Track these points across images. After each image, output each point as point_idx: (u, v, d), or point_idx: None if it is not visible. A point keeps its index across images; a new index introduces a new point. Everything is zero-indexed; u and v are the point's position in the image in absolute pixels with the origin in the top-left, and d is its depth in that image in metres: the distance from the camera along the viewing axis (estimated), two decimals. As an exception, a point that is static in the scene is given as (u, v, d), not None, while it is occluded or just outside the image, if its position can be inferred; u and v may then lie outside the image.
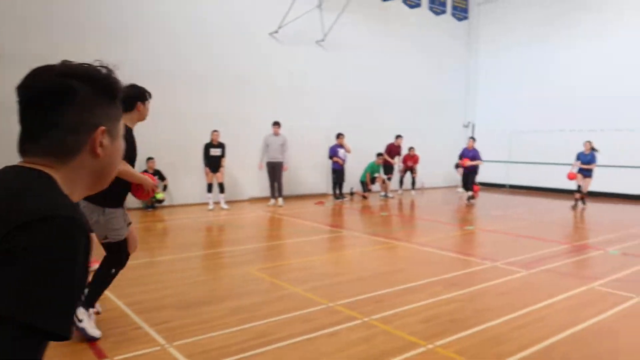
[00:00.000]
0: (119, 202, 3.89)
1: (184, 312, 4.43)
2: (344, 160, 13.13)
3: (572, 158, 13.96)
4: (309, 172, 14.23)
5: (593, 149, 11.97)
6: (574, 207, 11.89)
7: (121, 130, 1.16)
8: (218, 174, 11.20)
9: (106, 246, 3.92)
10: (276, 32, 13.04)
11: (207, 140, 11.09)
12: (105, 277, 3.94)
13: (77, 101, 1.02)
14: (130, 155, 3.85)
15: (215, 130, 11.10)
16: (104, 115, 1.08)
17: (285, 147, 11.88)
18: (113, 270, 3.95)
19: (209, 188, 11.16)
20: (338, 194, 13.27)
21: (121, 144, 1.16)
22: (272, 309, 4.54)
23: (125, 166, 3.69)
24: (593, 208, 12.35)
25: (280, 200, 11.94)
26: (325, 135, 14.27)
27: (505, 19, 17.52)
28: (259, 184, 12.77)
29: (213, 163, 11.10)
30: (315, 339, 3.85)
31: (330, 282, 5.46)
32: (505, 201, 14.22)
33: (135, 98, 3.87)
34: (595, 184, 13.91)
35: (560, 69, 15.95)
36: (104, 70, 1.09)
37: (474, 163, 13.05)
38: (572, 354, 3.64)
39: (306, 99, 14.01)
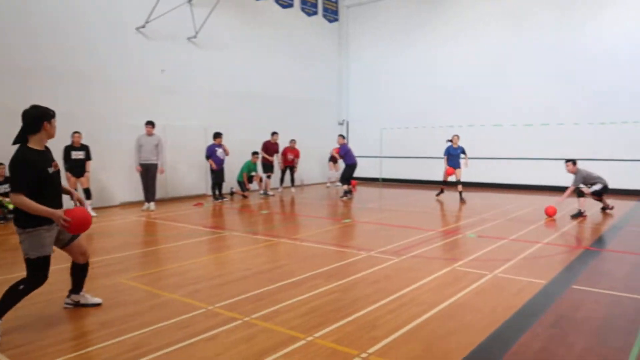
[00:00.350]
0: (35, 223, 3.89)
1: (45, 333, 3.98)
2: (221, 161, 12.85)
3: (438, 152, 15.28)
4: (186, 173, 13.72)
5: (450, 141, 13.00)
6: (461, 200, 12.50)
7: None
8: (82, 179, 10.28)
9: (25, 263, 3.98)
10: (143, 27, 12.33)
11: (68, 143, 10.14)
12: (14, 293, 3.93)
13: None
14: (36, 181, 3.84)
15: (76, 132, 10.18)
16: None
17: (159, 148, 11.27)
18: (21, 287, 3.94)
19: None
20: (217, 195, 12.98)
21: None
22: (146, 318, 4.28)
23: (18, 198, 3.76)
24: (455, 196, 13.61)
25: (152, 204, 11.29)
26: (202, 135, 13.87)
27: (373, 21, 18.56)
28: (131, 188, 11.99)
29: (75, 167, 10.17)
30: (193, 345, 3.71)
31: (210, 285, 5.31)
32: (379, 194, 15.08)
33: (40, 119, 3.92)
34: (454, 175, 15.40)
35: (424, 68, 17.34)
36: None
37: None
38: (439, 329, 3.96)
39: (180, 97, 13.49)
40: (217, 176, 12.93)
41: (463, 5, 16.43)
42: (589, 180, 9.83)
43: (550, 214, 9.73)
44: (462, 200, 12.42)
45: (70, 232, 4.05)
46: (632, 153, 13.38)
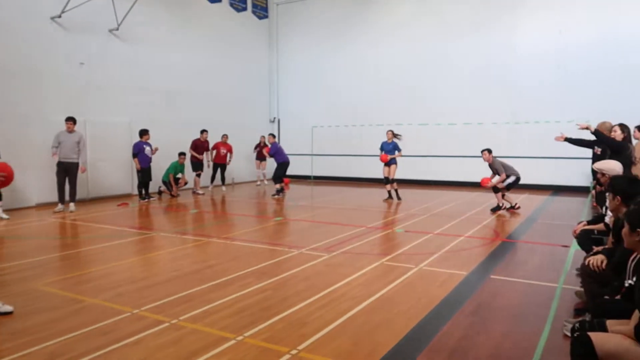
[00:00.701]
0: None
1: (-56, 347, 3.63)
2: (149, 159, 12.38)
3: (368, 149, 15.73)
4: (110, 172, 13.06)
5: (395, 136, 12.59)
6: (388, 198, 12.40)
7: None
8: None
9: None
10: (59, 16, 11.57)
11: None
12: None
13: None
14: None
15: None
16: None
17: (81, 146, 10.61)
18: None
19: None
20: (145, 194, 12.49)
21: None
22: (65, 325, 4.03)
23: None
24: (384, 193, 13.98)
25: (72, 205, 10.62)
26: (127, 131, 13.28)
27: (302, 19, 18.65)
28: (48, 188, 11.20)
29: None
30: (117, 351, 3.54)
31: (135, 288, 5.10)
32: (311, 192, 15.19)
33: None
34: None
35: (354, 67, 17.66)
36: None
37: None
38: (368, 322, 4.06)
39: (103, 92, 12.82)
40: (144, 175, 12.42)
41: (391, 6, 16.89)
42: (505, 170, 10.15)
43: (483, 183, 10.47)
44: (398, 198, 12.31)
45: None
46: (543, 151, 14.42)
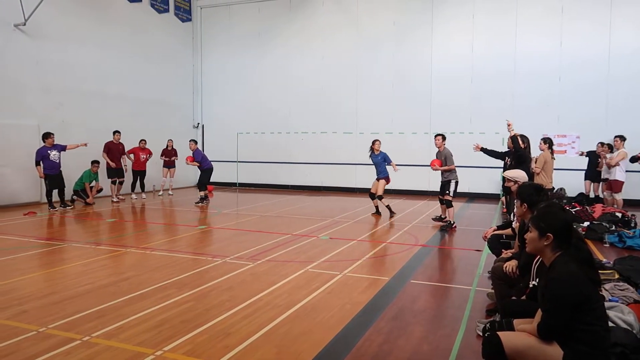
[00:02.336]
0: None
1: None
2: (57, 165, 11.57)
3: (292, 157, 15.82)
4: (14, 178, 12.04)
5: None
6: (376, 213, 11.24)
7: None
8: None
9: None
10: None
11: None
12: None
13: None
14: None
15: None
16: None
17: None
18: None
19: None
20: (61, 202, 11.66)
21: None
22: (-44, 349, 3.64)
23: None
24: (310, 200, 14.08)
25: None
26: (35, 134, 12.35)
27: (226, 24, 18.41)
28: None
29: None
30: (19, 374, 3.25)
31: (41, 304, 4.72)
32: (235, 199, 14.95)
33: None
34: (314, 179, 16.18)
35: (278, 74, 17.65)
36: None
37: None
38: (292, 330, 4.04)
39: (6, 92, 11.82)
40: (53, 182, 11.56)
41: (314, 15, 17.10)
42: (448, 163, 9.57)
43: (433, 165, 9.89)
44: (391, 213, 10.94)
45: None
46: (459, 160, 15.20)
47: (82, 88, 13.85)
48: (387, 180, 11.16)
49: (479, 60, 15.02)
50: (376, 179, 11.11)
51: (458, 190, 9.86)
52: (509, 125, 8.46)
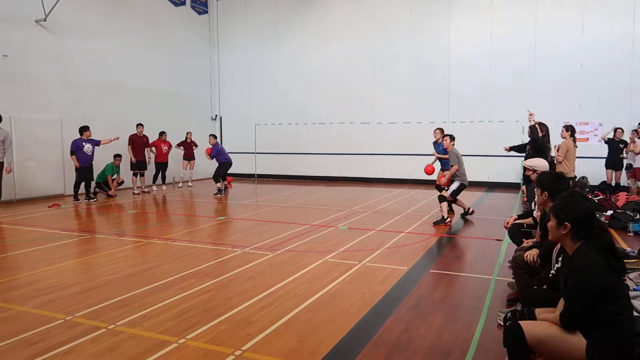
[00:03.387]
0: None
1: None
2: (89, 157, 11.81)
3: (311, 147, 15.88)
4: (39, 171, 12.31)
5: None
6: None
7: None
8: None
9: None
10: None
11: None
12: None
13: None
14: None
15: None
16: None
17: (6, 144, 9.88)
18: None
19: None
20: (86, 194, 11.92)
21: None
22: (-12, 336, 3.76)
23: None
24: (328, 191, 14.11)
25: (-2, 206, 9.94)
26: (58, 128, 12.59)
27: (243, 16, 18.42)
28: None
29: None
30: (49, 360, 3.36)
31: (68, 293, 4.84)
32: (254, 190, 15.05)
33: None
34: (331, 170, 16.23)
35: (296, 64, 17.64)
36: None
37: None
38: (312, 320, 4.08)
39: (30, 87, 12.06)
40: (83, 174, 11.81)
41: (330, 5, 17.01)
42: (461, 166, 8.93)
43: (428, 172, 9.78)
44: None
45: None
46: (478, 149, 15.07)
47: (102, 82, 14.04)
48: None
49: (498, 47, 14.76)
50: (441, 170, 10.13)
51: (467, 188, 9.22)
52: (530, 115, 8.33)
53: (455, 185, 8.88)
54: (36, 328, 3.93)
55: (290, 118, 17.87)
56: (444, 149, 9.67)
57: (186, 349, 3.53)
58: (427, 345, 3.61)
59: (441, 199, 8.78)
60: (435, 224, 8.58)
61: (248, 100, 18.51)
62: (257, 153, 18.55)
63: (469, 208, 9.47)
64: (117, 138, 12.46)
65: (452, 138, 9.15)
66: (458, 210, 9.55)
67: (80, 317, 4.15)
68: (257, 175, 18.63)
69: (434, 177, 10.63)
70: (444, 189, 9.57)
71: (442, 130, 10.38)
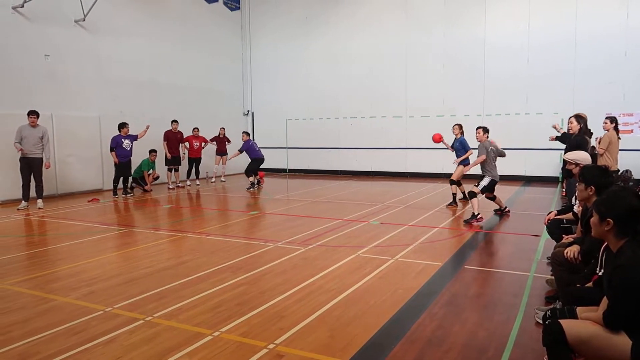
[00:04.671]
0: None
1: None
2: (128, 153, 12.14)
3: (341, 142, 15.84)
4: (79, 167, 12.72)
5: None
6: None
7: None
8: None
9: None
10: (21, 6, 11.16)
11: None
12: None
13: None
14: None
15: None
16: None
17: (44, 141, 10.25)
18: None
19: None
20: (124, 189, 12.28)
21: None
22: (34, 325, 3.92)
23: None
24: (359, 185, 14.05)
25: (39, 202, 10.31)
26: (96, 125, 12.96)
27: (275, 11, 18.48)
28: (12, 185, 10.79)
29: None
30: (90, 350, 3.46)
31: (107, 285, 4.99)
32: (286, 185, 15.14)
33: None
34: (363, 164, 16.14)
35: (327, 59, 17.59)
36: None
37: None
38: (345, 315, 4.07)
39: (69, 85, 12.45)
40: (121, 170, 12.16)
41: (364, -1, 16.90)
42: (487, 162, 8.59)
43: (436, 139, 10.17)
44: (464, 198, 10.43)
45: None
46: (513, 142, 14.70)
47: (137, 79, 14.37)
48: (465, 167, 9.94)
49: (536, 37, 14.31)
50: (462, 165, 10.09)
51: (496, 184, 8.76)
52: (555, 127, 8.25)
53: (485, 181, 8.54)
54: (78, 318, 4.06)
55: (321, 112, 17.86)
56: (460, 144, 9.99)
57: (220, 341, 3.58)
58: (462, 342, 3.55)
59: (471, 194, 8.47)
60: (466, 221, 8.24)
61: (279, 95, 18.61)
62: (288, 148, 18.64)
63: (506, 207, 9.17)
64: (148, 126, 12.71)
65: (485, 130, 8.76)
66: (486, 204, 9.32)
67: (119, 309, 4.27)
68: (289, 170, 18.72)
69: (450, 168, 10.52)
70: (458, 182, 10.06)
71: (460, 125, 10.36)
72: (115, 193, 12.17)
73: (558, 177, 13.96)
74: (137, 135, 12.42)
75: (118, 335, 3.72)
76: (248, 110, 19.29)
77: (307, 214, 9.26)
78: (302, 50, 17.97)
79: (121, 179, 12.30)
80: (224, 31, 18.09)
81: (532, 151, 14.45)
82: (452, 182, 10.15)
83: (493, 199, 8.93)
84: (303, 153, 18.42)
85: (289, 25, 18.17)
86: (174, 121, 13.93)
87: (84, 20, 12.58)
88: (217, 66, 17.67)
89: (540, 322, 3.48)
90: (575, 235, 4.45)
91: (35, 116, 10.16)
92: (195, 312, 4.16)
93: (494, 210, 9.23)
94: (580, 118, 7.83)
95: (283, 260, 5.88)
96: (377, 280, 5.03)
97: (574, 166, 4.84)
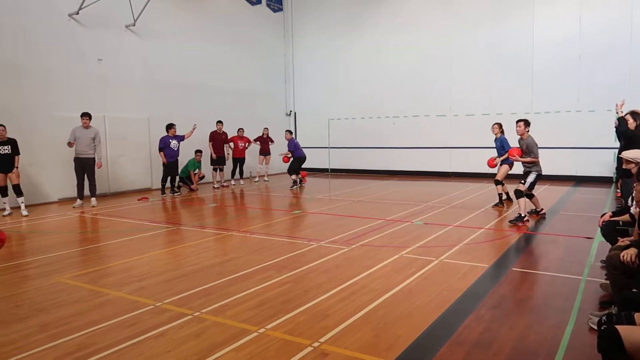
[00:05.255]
0: None
1: (-25, 338, 3.73)
2: (175, 153, 12.54)
3: (385, 142, 15.71)
4: (129, 167, 13.21)
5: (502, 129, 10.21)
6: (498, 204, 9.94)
7: None
8: (11, 175, 9.64)
9: None
10: (76, 13, 11.70)
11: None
12: None
13: None
14: None
15: (0, 125, 9.49)
16: None
17: (96, 141, 10.73)
18: None
19: (2, 191, 9.60)
20: (171, 188, 12.69)
21: None
22: (90, 318, 4.10)
23: None
24: (403, 185, 13.92)
25: (93, 200, 10.80)
26: (145, 126, 13.42)
27: (318, 11, 18.56)
28: (69, 183, 11.33)
29: (1, 162, 9.51)
30: (142, 343, 3.60)
31: (157, 281, 5.16)
32: (328, 185, 15.18)
33: None
34: (406, 164, 15.95)
35: (370, 58, 17.53)
36: None
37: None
38: (389, 315, 4.05)
39: (119, 88, 12.94)
40: (170, 169, 12.57)
41: (407, -3, 16.71)
42: (530, 155, 8.24)
43: (490, 165, 9.99)
44: (508, 199, 10.23)
45: None
46: (563, 141, 14.17)
47: (184, 82, 14.78)
48: (510, 166, 9.77)
49: (588, 33, 13.74)
50: (505, 164, 9.81)
51: (537, 182, 8.38)
52: (619, 105, 7.83)
53: (532, 177, 8.18)
54: (130, 312, 4.22)
55: (363, 112, 17.81)
56: (500, 144, 9.82)
57: (266, 338, 3.64)
58: (510, 345, 3.46)
59: (518, 193, 8.13)
60: (512, 222, 7.90)
61: (322, 95, 18.68)
62: (330, 148, 18.69)
63: (542, 209, 8.74)
64: (195, 126, 13.04)
65: (527, 124, 8.35)
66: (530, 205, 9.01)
67: (169, 304, 4.41)
68: (331, 169, 18.77)
69: (495, 168, 10.21)
70: (501, 183, 9.85)
71: (499, 125, 10.10)
72: (163, 192, 12.57)
73: (612, 177, 13.34)
74: (184, 136, 12.79)
75: (168, 329, 3.84)
76: (290, 111, 19.47)
77: (349, 214, 9.25)
78: (344, 50, 17.97)
79: (169, 178, 12.70)
80: (267, 33, 18.34)
81: (583, 150, 13.89)
82: (497, 183, 9.95)
83: (531, 197, 8.55)
84: (345, 153, 18.42)
85: (330, 25, 18.21)
86: (219, 122, 14.26)
87: (134, 25, 13.06)
88: (260, 67, 17.93)
89: (595, 327, 3.35)
90: (632, 237, 4.25)
91: (87, 118, 10.63)
92: (241, 309, 4.24)
93: (528, 212, 8.43)
94: (636, 115, 7.48)
95: (326, 259, 5.90)
96: (422, 281, 4.97)
97: (633, 165, 4.60)
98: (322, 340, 3.56)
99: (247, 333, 3.72)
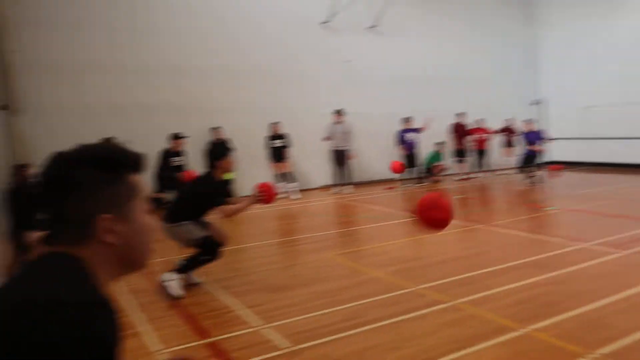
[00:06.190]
0: (186, 217, 4.75)
1: (273, 296, 4.57)
2: (410, 144, 12.94)
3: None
4: (375, 158, 14.11)
5: None
6: None
7: (143, 205, 1.05)
8: (284, 164, 11.37)
9: (193, 245, 4.75)
10: (326, 22, 13.02)
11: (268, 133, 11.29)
12: (195, 260, 4.75)
13: (80, 191, 0.97)
14: (213, 200, 4.76)
15: (274, 123, 11.27)
16: (111, 199, 0.99)
17: (350, 135, 11.86)
18: (202, 258, 4.72)
19: (279, 178, 11.39)
20: (409, 179, 13.16)
21: (145, 221, 1.05)
22: (355, 292, 4.57)
23: (224, 212, 4.78)
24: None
25: (348, 187, 11.95)
26: (388, 121, 14.10)
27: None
28: (328, 173, 12.70)
29: (277, 154, 11.28)
30: (404, 322, 3.84)
31: (411, 266, 5.42)
32: (585, 179, 13.43)
33: (214, 159, 4.93)
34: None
35: (631, 39, 14.69)
36: (114, 148, 1.02)
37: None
38: (685, 338, 3.39)
39: (366, 86, 13.92)
40: (408, 160, 13.07)
41: None
42: None
43: None
44: None
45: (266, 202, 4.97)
46: None
47: (423, 76, 14.84)
48: None
49: None
50: None
51: None
52: None
53: None
54: (390, 292, 4.54)
55: (628, 97, 15.01)
56: None
57: (530, 339, 3.46)
58: None
59: None
60: None
61: (573, 80, 16.45)
62: (585, 139, 16.40)
63: None
64: (429, 119, 13.06)
65: None
66: None
67: (425, 289, 4.58)
68: (588, 163, 16.50)
69: None
70: None
71: None
72: (408, 182, 13.07)
73: None
74: (419, 128, 13.02)
75: (427, 313, 4.00)
76: (536, 99, 17.79)
77: (618, 213, 8.00)
78: (600, 29, 15.40)
79: (412, 169, 13.12)
80: (507, 17, 17.09)
81: None
82: None
83: None
84: (603, 144, 15.90)
85: (582, 1, 15.86)
86: (460, 113, 14.07)
87: (376, 25, 13.84)
88: (500, 54, 16.84)
89: None
90: None
91: (339, 114, 11.86)
92: (501, 305, 4.12)
93: None
94: None
95: (594, 263, 5.25)
96: None
97: None
98: (602, 351, 3.20)
99: (507, 330, 3.61)
